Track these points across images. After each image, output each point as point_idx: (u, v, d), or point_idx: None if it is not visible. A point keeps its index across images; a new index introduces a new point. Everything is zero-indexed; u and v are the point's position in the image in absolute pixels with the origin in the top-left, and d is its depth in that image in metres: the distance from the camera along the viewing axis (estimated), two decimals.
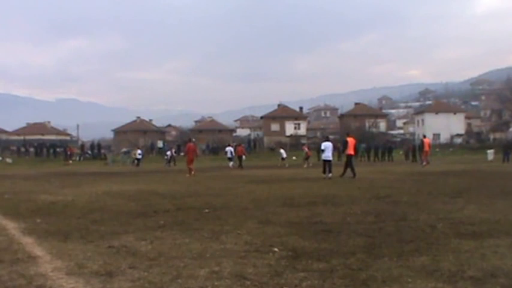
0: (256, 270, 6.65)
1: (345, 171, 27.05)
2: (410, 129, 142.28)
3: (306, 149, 51.92)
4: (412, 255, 7.33)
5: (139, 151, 63.95)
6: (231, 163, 48.42)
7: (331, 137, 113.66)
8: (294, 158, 50.00)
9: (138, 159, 61.29)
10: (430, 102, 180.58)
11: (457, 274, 6.28)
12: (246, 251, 7.89)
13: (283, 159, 51.55)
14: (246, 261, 7.18)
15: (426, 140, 46.76)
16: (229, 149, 52.11)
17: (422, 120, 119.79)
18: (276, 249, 7.90)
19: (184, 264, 7.05)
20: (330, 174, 26.69)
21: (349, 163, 27.32)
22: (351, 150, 27.51)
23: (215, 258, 7.35)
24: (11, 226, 11.17)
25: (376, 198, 15.71)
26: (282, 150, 54.73)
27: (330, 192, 17.86)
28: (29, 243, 8.99)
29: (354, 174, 26.34)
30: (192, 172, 33.30)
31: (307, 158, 48.89)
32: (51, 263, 7.32)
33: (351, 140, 27.90)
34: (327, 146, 28.07)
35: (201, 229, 10.05)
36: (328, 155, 27.64)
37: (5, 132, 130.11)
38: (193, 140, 49.95)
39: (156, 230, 10.05)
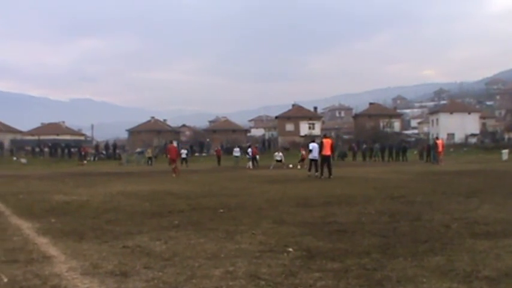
0: (271, 270, 6.64)
1: (318, 170, 28.57)
2: (425, 129, 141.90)
3: (303, 151, 51.33)
4: (427, 255, 7.31)
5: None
6: (249, 164, 48.71)
7: (345, 137, 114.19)
8: (290, 165, 49.79)
9: (151, 159, 61.42)
10: (444, 102, 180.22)
11: (471, 274, 6.25)
12: (261, 251, 7.89)
13: (278, 161, 51.19)
14: (260, 261, 7.18)
15: (439, 141, 46.93)
16: (237, 149, 52.99)
17: (437, 120, 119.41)
18: (290, 249, 7.90)
19: (199, 264, 7.06)
20: (317, 173, 29.05)
21: (326, 163, 28.05)
22: (327, 151, 28.11)
23: (230, 258, 7.36)
24: (26, 226, 11.20)
25: (391, 198, 15.67)
26: (276, 153, 54.64)
27: (344, 192, 17.84)
28: (43, 243, 9.01)
29: (326, 174, 27.32)
30: (177, 171, 34.54)
31: (302, 159, 48.18)
32: (66, 263, 7.34)
33: (326, 141, 28.61)
34: (314, 146, 30.15)
35: (215, 229, 10.05)
36: (315, 155, 29.66)
37: (20, 132, 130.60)
38: (174, 141, 51.11)
39: (171, 230, 10.06)
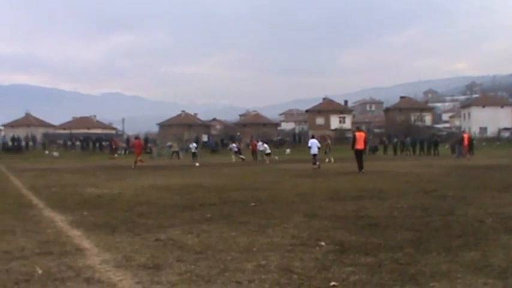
0: (303, 264, 6.61)
1: (360, 166, 26.92)
2: (457, 123, 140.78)
3: (329, 140, 51.76)
4: (461, 251, 7.22)
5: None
6: (269, 157, 48.94)
7: (376, 130, 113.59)
8: (276, 157, 50.02)
9: (178, 153, 61.14)
10: (476, 95, 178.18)
11: (507, 270, 6.15)
12: (293, 244, 7.86)
13: (267, 154, 51.19)
14: (292, 255, 7.15)
15: (465, 135, 46.73)
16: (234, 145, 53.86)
17: (469, 114, 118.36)
18: (322, 243, 7.86)
19: (231, 257, 7.05)
20: (318, 163, 32.62)
21: (358, 157, 27.28)
22: (360, 145, 27.43)
23: (262, 252, 7.35)
24: (59, 219, 11.30)
25: (423, 192, 15.55)
26: (265, 145, 54.64)
27: (376, 186, 17.74)
28: (76, 235, 9.08)
29: (361, 169, 26.48)
30: (137, 163, 39.38)
31: (329, 148, 48.26)
32: (99, 255, 7.39)
33: (359, 135, 27.93)
34: (313, 142, 34.36)
35: (247, 222, 10.06)
36: (314, 150, 33.62)
37: (52, 126, 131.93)
38: (140, 137, 52.60)
39: (203, 223, 10.08)
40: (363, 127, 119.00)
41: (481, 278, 5.84)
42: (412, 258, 6.83)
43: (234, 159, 51.71)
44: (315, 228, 9.25)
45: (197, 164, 42.53)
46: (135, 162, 39.91)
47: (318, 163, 32.80)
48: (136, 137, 53.02)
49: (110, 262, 6.92)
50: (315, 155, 33.57)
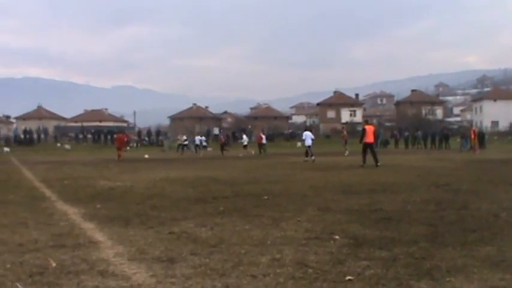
0: (318, 257, 6.58)
1: (369, 159, 26.26)
2: (468, 116, 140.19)
3: (345, 132, 52.09)
4: (476, 245, 7.16)
5: (184, 137, 63.51)
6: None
7: (387, 124, 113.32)
8: (253, 152, 50.16)
9: (184, 146, 60.64)
10: (488, 89, 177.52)
11: None
12: (307, 238, 7.84)
13: (245, 146, 51.08)
14: (307, 248, 7.12)
15: (472, 129, 46.75)
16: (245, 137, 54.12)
17: (481, 108, 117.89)
18: (336, 237, 7.83)
19: (245, 251, 7.04)
20: (314, 157, 32.64)
21: (370, 151, 26.72)
22: (369, 139, 26.88)
23: (276, 246, 7.32)
24: (72, 211, 11.31)
25: (436, 186, 15.48)
26: (244, 136, 54.72)
27: (388, 180, 17.67)
28: (90, 228, 9.09)
29: (377, 161, 25.92)
30: (120, 157, 41.48)
31: (345, 142, 48.34)
32: (113, 248, 7.39)
33: (369, 128, 27.45)
34: (306, 134, 35.45)
35: (260, 216, 10.04)
36: (308, 142, 34.54)
37: (64, 119, 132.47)
38: (125, 132, 53.78)
39: (216, 217, 10.07)
40: (374, 120, 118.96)
41: (497, 273, 5.78)
42: (427, 252, 6.79)
43: (242, 153, 51.35)
44: (329, 222, 9.22)
45: (201, 154, 42.72)
46: (119, 156, 42.19)
47: (313, 157, 32.80)
48: (120, 131, 54.39)
49: (124, 255, 6.91)
50: (309, 147, 34.34)
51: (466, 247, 7.05)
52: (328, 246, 7.29)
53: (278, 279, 5.68)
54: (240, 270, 6.06)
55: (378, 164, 25.54)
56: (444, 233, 8.05)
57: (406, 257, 6.57)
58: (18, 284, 5.60)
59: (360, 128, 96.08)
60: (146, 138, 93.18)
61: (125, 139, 48.53)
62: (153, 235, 8.29)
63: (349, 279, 5.63)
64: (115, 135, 50.76)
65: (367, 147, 26.84)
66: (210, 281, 5.63)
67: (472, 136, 46.68)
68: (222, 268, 6.15)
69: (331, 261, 6.39)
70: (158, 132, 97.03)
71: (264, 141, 53.90)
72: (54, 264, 6.41)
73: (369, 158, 25.73)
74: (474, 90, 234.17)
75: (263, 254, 6.79)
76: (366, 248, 7.10)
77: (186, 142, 61.37)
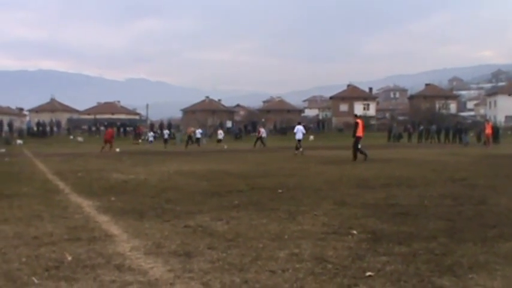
0: (337, 253, 6.51)
1: (355, 155, 26.18)
2: (482, 111, 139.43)
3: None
4: (497, 241, 7.06)
5: (199, 130, 62.98)
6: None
7: (400, 118, 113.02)
8: (225, 146, 50.36)
9: (197, 138, 60.13)
10: (502, 83, 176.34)
11: None
12: (324, 232, 7.75)
13: (219, 141, 51.12)
14: (325, 243, 7.04)
15: (488, 123, 46.49)
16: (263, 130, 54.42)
17: (495, 102, 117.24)
18: (354, 232, 7.75)
19: (263, 245, 6.96)
20: (301, 149, 34.74)
21: (357, 145, 26.48)
22: (361, 132, 26.79)
23: (293, 240, 7.24)
24: (86, 204, 11.28)
25: (452, 180, 15.36)
26: (219, 131, 54.94)
27: (403, 174, 17.55)
28: (105, 221, 9.04)
29: (362, 156, 25.86)
30: (104, 149, 42.63)
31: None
32: (129, 242, 7.32)
33: (361, 122, 27.52)
34: (298, 128, 37.18)
35: (276, 209, 9.97)
36: (299, 135, 36.27)
37: (76, 111, 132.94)
38: (113, 126, 55.35)
39: (231, 210, 10.00)
40: (387, 114, 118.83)
41: None
42: (448, 248, 6.69)
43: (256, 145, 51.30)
44: (346, 216, 9.14)
45: (204, 142, 42.94)
46: (103, 148, 43.29)
47: (301, 149, 34.85)
48: (109, 126, 56.30)
49: (140, 249, 6.85)
50: (299, 140, 36.08)
51: (487, 243, 6.95)
52: (346, 241, 7.20)
53: (297, 274, 5.61)
54: (258, 265, 5.99)
55: (355, 160, 25.61)
56: (463, 229, 7.95)
57: (426, 252, 6.47)
58: (34, 278, 5.55)
59: (373, 122, 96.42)
60: (158, 131, 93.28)
61: (113, 133, 48.92)
62: (169, 228, 8.23)
63: (370, 275, 5.55)
64: (106, 129, 52.46)
65: (359, 140, 26.63)
66: (229, 276, 5.57)
67: (487, 131, 46.34)
68: (240, 263, 6.08)
69: (350, 257, 6.31)
70: (170, 125, 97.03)
71: (263, 134, 53.92)
72: (70, 258, 6.36)
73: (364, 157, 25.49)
74: (488, 85, 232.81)
75: (281, 249, 6.71)
76: (385, 243, 7.02)
77: (199, 135, 60.99)
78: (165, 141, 58.37)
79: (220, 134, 53.90)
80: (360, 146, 26.44)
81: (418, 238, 7.30)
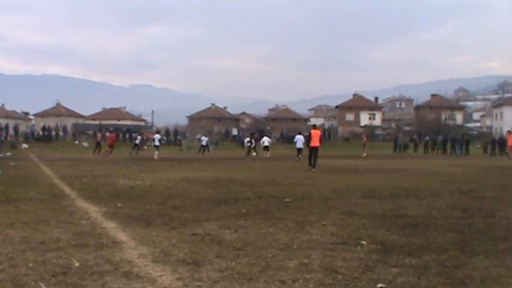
0: (347, 263, 6.43)
1: (311, 162, 27.66)
2: (488, 122, 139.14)
3: (365, 139, 58.52)
4: (509, 254, 6.97)
5: (204, 138, 63.76)
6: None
7: (406, 128, 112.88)
8: (268, 155, 50.75)
9: (203, 146, 60.31)
10: (509, 95, 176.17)
11: None
12: (333, 243, 7.68)
13: (266, 148, 51.25)
14: (334, 254, 6.96)
15: (510, 135, 45.78)
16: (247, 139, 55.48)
17: (501, 114, 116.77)
18: (363, 242, 7.68)
19: (272, 255, 6.88)
20: (300, 156, 37.54)
21: (313, 155, 27.73)
22: (315, 143, 27.99)
23: (303, 250, 7.17)
24: (92, 210, 11.23)
25: (459, 192, 15.27)
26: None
27: (411, 185, 17.51)
28: (111, 227, 8.98)
29: (314, 166, 27.07)
30: (103, 153, 45.50)
31: (364, 145, 54.56)
32: (136, 249, 7.25)
33: (315, 132, 28.66)
34: (298, 138, 40.34)
35: (284, 219, 9.89)
36: (299, 145, 39.42)
37: (82, 116, 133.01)
38: (113, 131, 56.49)
39: (239, 219, 9.94)
40: (392, 125, 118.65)
41: None
42: (459, 261, 6.61)
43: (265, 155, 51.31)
44: (355, 227, 9.07)
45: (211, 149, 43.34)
46: (105, 152, 45.63)
47: (300, 156, 37.81)
48: (112, 131, 58.88)
49: (148, 256, 6.78)
50: (299, 149, 39.22)
51: (498, 256, 6.87)
52: (356, 251, 7.13)
53: (307, 285, 5.54)
54: (268, 274, 5.92)
55: (314, 169, 26.44)
56: (473, 241, 7.87)
57: (437, 265, 6.39)
58: (41, 284, 5.50)
59: (379, 132, 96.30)
60: (164, 138, 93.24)
61: (115, 139, 51.55)
62: (177, 236, 8.17)
63: (381, 287, 5.48)
64: (108, 134, 55.25)
65: (312, 150, 27.90)
66: (238, 286, 5.50)
67: (510, 143, 45.39)
68: (249, 272, 6.00)
69: (360, 268, 6.24)
70: (176, 132, 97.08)
71: (266, 143, 54.05)
72: (77, 264, 6.30)
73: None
74: (494, 96, 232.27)
75: (290, 259, 6.64)
76: (395, 254, 6.94)
77: (204, 143, 61.23)
78: (157, 147, 57.73)
79: (267, 141, 53.44)
80: (313, 156, 27.73)
81: (429, 250, 7.23)
